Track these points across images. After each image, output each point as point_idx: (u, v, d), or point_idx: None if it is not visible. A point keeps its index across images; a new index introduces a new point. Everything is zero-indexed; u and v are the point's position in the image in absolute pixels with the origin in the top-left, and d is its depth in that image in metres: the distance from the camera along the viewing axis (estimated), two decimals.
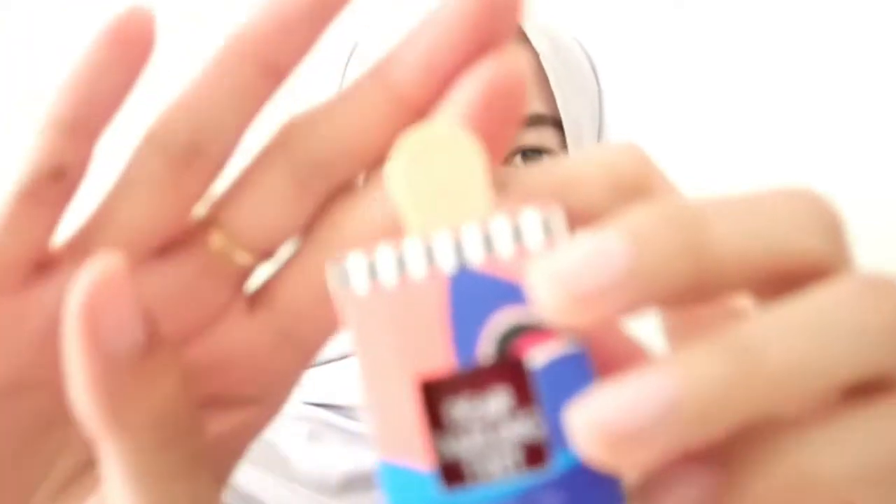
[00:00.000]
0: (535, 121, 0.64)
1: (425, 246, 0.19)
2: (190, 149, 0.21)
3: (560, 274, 0.16)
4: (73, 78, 0.21)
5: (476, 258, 0.19)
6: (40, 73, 1.08)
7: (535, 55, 0.65)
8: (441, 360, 0.18)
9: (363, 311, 0.19)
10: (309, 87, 0.21)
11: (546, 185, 0.20)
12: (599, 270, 0.16)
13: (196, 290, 0.22)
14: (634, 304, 0.17)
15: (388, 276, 0.19)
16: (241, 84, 0.21)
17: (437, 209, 0.19)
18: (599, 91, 0.70)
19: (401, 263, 0.19)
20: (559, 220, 0.19)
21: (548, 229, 0.18)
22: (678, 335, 0.21)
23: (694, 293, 0.17)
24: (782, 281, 0.18)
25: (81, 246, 0.23)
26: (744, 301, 0.20)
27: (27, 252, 0.22)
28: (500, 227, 0.19)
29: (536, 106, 0.64)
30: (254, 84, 0.21)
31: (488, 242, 0.19)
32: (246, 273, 0.22)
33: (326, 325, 0.22)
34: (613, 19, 1.11)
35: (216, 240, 0.22)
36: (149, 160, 0.22)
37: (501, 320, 0.18)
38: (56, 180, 0.22)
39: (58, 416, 0.22)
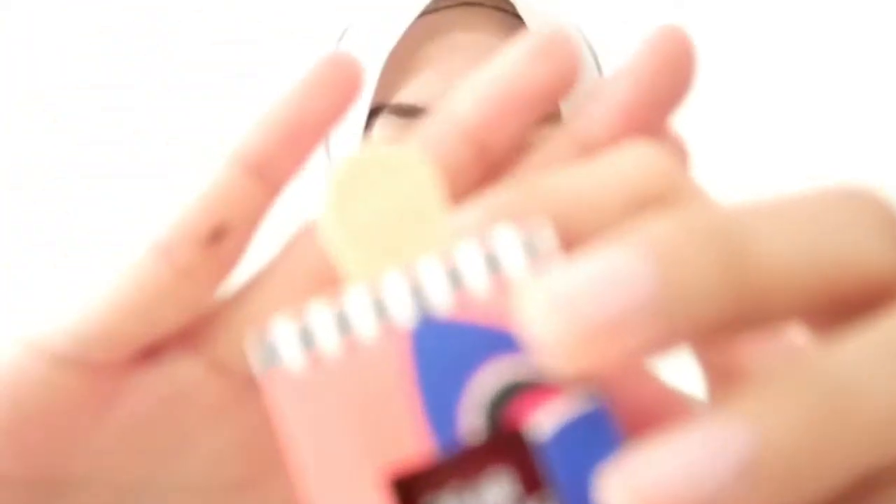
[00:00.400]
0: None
1: (372, 296, 0.15)
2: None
3: (564, 299, 0.13)
4: (272, 116, 0.19)
5: (442, 302, 0.14)
6: (40, 73, 1.08)
7: None
8: (413, 444, 0.14)
9: (301, 392, 0.14)
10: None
11: (543, 205, 0.16)
12: (617, 295, 0.13)
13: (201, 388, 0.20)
14: (662, 341, 0.13)
15: (329, 341, 0.14)
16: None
17: (385, 252, 0.15)
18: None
19: (343, 323, 0.14)
20: (547, 239, 0.15)
21: (532, 251, 0.14)
22: (720, 379, 0.18)
23: (735, 324, 0.14)
24: (843, 304, 0.14)
25: (194, 336, 0.19)
26: (796, 332, 0.17)
27: (149, 332, 0.19)
28: (469, 257, 0.14)
29: None
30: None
31: (455, 278, 0.14)
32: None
33: None
34: (613, 18, 1.11)
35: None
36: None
37: (487, 380, 0.14)
38: (211, 242, 0.18)
39: None
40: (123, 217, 1.05)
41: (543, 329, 0.13)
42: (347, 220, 0.16)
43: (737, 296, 0.13)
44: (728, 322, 0.14)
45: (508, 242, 0.15)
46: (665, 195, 0.16)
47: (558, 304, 0.13)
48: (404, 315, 0.14)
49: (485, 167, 0.19)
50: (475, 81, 0.18)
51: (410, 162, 0.16)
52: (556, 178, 0.16)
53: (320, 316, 0.15)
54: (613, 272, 0.13)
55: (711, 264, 0.13)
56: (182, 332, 0.19)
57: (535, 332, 0.13)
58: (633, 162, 0.16)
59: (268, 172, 0.19)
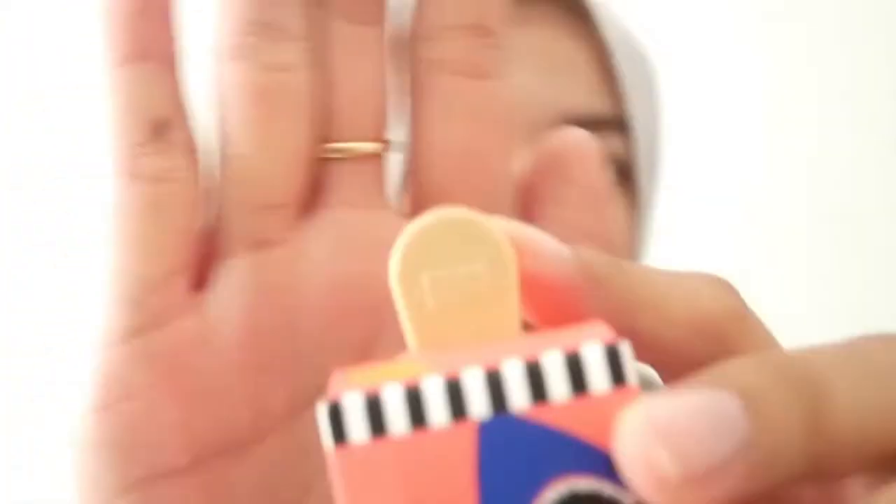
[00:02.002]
0: (598, 124, 0.51)
1: (446, 379, 0.14)
2: None
3: (670, 432, 0.12)
4: (106, 15, 0.19)
5: (519, 400, 0.14)
6: (40, 73, 1.08)
7: (601, 43, 0.53)
8: None
9: (363, 470, 0.14)
10: None
11: (618, 290, 0.15)
12: (720, 437, 0.12)
13: None
14: (748, 489, 0.13)
15: (398, 422, 0.14)
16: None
17: (456, 324, 0.15)
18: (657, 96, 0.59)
19: (415, 405, 0.14)
20: (627, 358, 0.14)
21: (617, 375, 0.14)
22: None
23: (803, 477, 0.14)
24: None
25: (229, 243, 0.20)
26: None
27: (171, 263, 0.19)
28: (552, 360, 0.14)
29: (597, 105, 0.52)
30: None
31: (535, 379, 0.14)
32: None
33: None
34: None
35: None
36: None
37: (557, 494, 0.13)
38: (159, 138, 0.19)
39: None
40: None
41: (644, 460, 0.12)
42: (415, 286, 0.15)
43: (814, 449, 0.13)
44: (799, 475, 0.13)
45: (591, 353, 0.14)
46: (730, 336, 0.16)
47: (664, 437, 0.12)
48: (476, 405, 0.14)
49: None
50: None
51: (490, 231, 0.15)
52: (638, 270, 0.16)
53: (393, 393, 0.14)
54: (715, 412, 0.12)
55: (796, 414, 0.13)
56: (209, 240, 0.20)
57: (631, 460, 0.12)
58: (704, 292, 0.16)
59: (157, 53, 0.19)
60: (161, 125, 0.19)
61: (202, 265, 0.20)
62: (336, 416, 0.14)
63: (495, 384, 0.14)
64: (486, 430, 0.13)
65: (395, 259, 0.15)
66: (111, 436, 0.18)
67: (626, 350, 0.14)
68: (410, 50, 0.21)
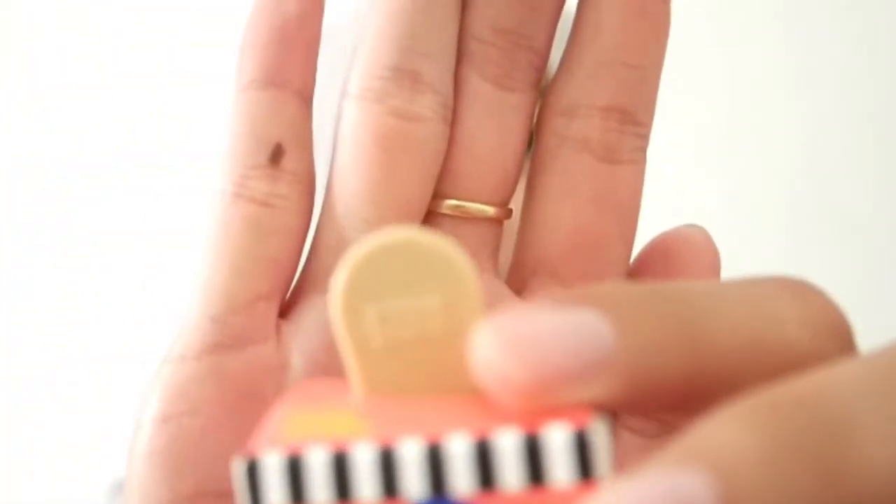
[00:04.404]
0: None
1: (380, 448, 0.12)
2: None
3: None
4: (251, 31, 0.19)
5: (462, 483, 0.11)
6: (40, 73, 1.08)
7: None
8: None
9: None
10: None
11: (676, 333, 0.13)
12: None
13: None
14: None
15: (320, 493, 0.12)
16: None
17: (406, 366, 0.13)
18: None
19: (341, 475, 0.12)
20: (601, 445, 0.11)
21: (585, 468, 0.11)
22: None
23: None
24: None
25: (318, 279, 0.19)
26: None
27: (267, 279, 0.18)
28: (506, 441, 0.11)
29: None
30: None
31: (484, 462, 0.12)
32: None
33: None
34: None
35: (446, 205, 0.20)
36: None
37: None
38: (273, 164, 0.18)
39: None
40: (123, 217, 1.04)
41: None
42: (360, 320, 0.13)
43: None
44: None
45: (560, 450, 0.11)
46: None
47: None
48: (411, 484, 0.12)
49: None
50: None
51: (449, 258, 0.12)
52: (703, 301, 0.13)
53: (316, 457, 0.12)
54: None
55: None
56: (303, 282, 0.19)
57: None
58: (797, 329, 0.13)
59: (285, 81, 0.19)
60: (277, 152, 0.18)
61: (294, 296, 0.20)
62: (253, 476, 0.12)
63: (435, 461, 0.12)
64: None
65: (337, 288, 0.13)
66: (167, 448, 0.18)
67: (598, 438, 0.11)
68: (542, 119, 0.20)
